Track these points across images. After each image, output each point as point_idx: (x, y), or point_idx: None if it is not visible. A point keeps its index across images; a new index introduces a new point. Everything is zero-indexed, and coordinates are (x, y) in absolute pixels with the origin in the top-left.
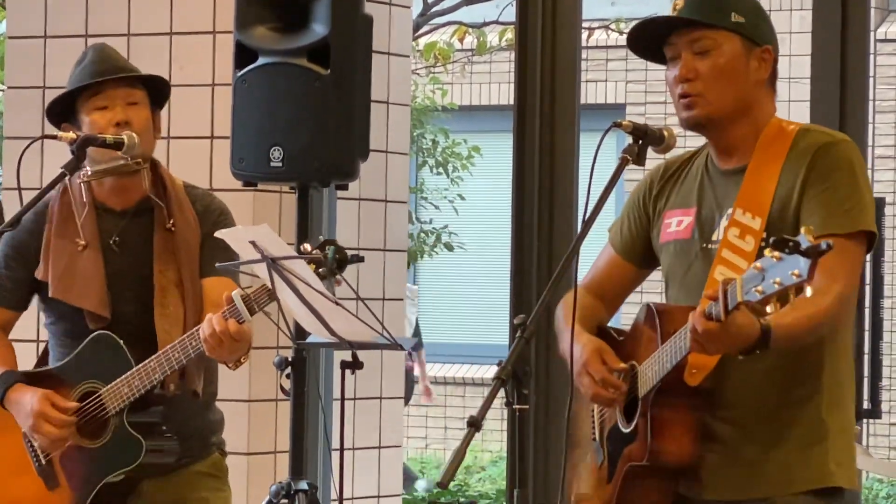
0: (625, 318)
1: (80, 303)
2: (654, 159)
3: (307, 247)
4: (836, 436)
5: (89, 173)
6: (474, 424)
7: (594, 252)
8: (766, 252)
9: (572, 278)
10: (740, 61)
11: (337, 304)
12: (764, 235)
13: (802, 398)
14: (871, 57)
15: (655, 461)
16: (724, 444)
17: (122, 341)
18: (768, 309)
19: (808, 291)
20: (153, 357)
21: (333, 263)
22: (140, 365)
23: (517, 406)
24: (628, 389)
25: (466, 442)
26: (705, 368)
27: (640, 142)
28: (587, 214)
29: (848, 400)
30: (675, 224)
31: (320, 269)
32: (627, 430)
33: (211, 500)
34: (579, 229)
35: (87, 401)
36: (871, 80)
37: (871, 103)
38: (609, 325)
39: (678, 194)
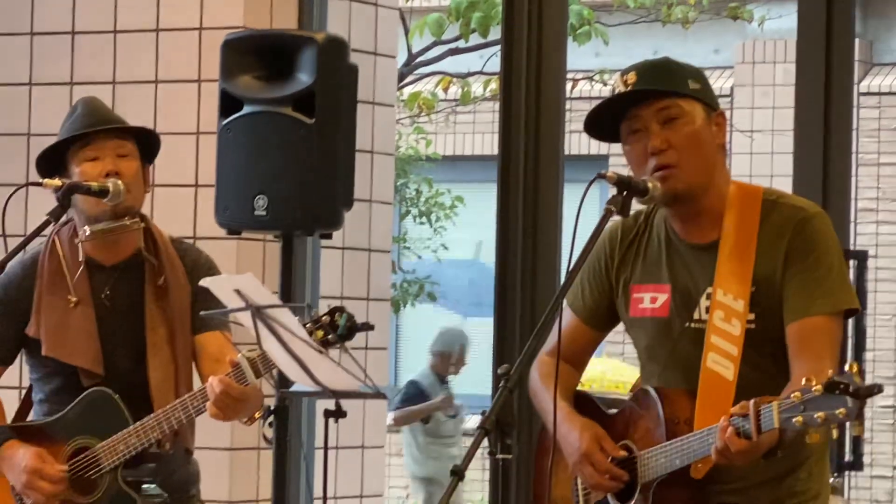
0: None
1: (74, 360)
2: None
3: (318, 312)
4: (824, 490)
5: (88, 233)
6: (458, 474)
7: None
8: (806, 380)
9: (557, 329)
10: (705, 126)
11: (321, 352)
12: (751, 317)
13: (799, 464)
14: (855, 110)
15: None
16: None
17: (118, 398)
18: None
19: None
20: (152, 416)
21: (345, 331)
22: (138, 423)
23: (500, 456)
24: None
25: (449, 491)
26: (710, 463)
27: (625, 193)
28: (571, 265)
29: (827, 457)
30: (649, 300)
31: (329, 336)
32: None
33: None
34: (563, 280)
35: (80, 456)
36: (854, 132)
37: (853, 156)
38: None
39: (644, 267)
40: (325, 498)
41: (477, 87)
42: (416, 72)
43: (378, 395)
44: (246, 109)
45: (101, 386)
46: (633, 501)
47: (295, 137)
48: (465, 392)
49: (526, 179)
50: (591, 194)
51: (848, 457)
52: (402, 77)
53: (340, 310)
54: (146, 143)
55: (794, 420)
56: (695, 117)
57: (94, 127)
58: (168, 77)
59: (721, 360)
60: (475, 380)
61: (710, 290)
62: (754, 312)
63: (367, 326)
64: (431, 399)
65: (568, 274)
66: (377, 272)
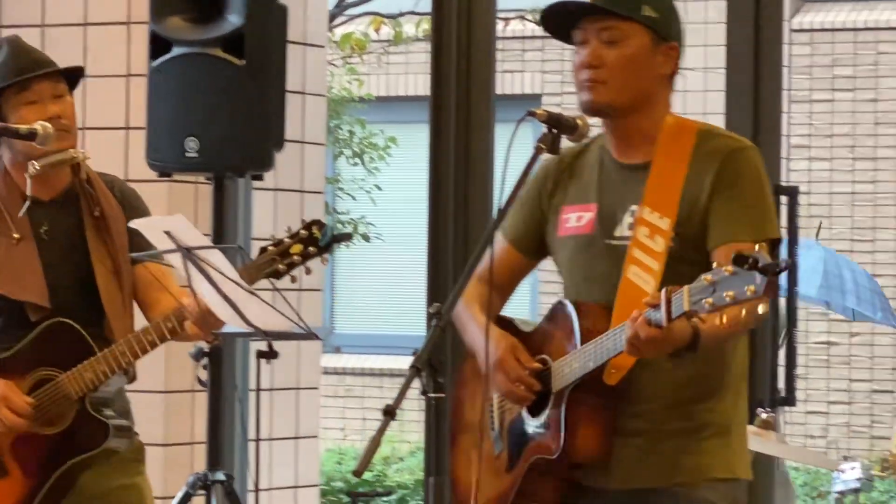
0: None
1: (23, 295)
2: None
3: (291, 228)
4: (738, 427)
5: (37, 167)
6: (390, 413)
7: None
8: (715, 265)
9: (489, 259)
10: (647, 54)
11: (252, 293)
12: (672, 235)
13: (712, 392)
14: (786, 47)
15: (567, 456)
16: (640, 437)
17: (80, 328)
18: (716, 321)
19: (761, 309)
20: (121, 341)
21: (327, 242)
22: (107, 350)
23: (432, 395)
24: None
25: (382, 431)
26: (624, 368)
27: (554, 131)
28: (502, 203)
29: (745, 393)
30: (575, 220)
31: (310, 249)
32: (535, 424)
33: (142, 486)
34: (494, 218)
35: (43, 388)
36: (786, 69)
37: (786, 93)
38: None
39: (576, 189)
40: (258, 439)
41: (409, 28)
42: (346, 12)
43: (310, 335)
44: (175, 51)
45: (48, 319)
46: (547, 410)
47: (225, 79)
48: (400, 333)
49: (458, 119)
50: (523, 133)
51: (782, 392)
52: (332, 17)
53: (318, 223)
54: (73, 79)
55: (703, 302)
56: (636, 42)
57: (30, 71)
58: (97, 19)
59: (642, 274)
60: (410, 319)
61: (634, 207)
62: (676, 232)
63: (347, 236)
64: None
65: (499, 212)
66: (310, 213)
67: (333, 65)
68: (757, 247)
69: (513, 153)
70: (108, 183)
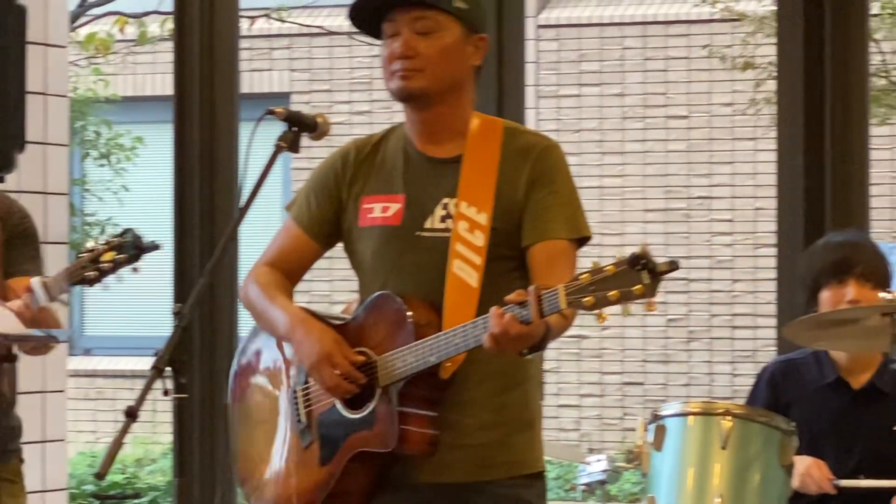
0: None
1: None
2: (311, 147)
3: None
4: (539, 420)
5: None
6: (131, 414)
7: (255, 238)
8: (594, 264)
9: (233, 265)
10: (459, 45)
11: None
12: (492, 228)
13: (519, 382)
14: (533, 43)
15: (401, 449)
16: (453, 430)
17: None
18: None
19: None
20: None
21: (131, 251)
22: None
23: (175, 395)
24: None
25: (123, 432)
26: (457, 363)
27: (295, 129)
28: (243, 202)
29: (539, 389)
30: (380, 210)
31: (118, 257)
32: (356, 416)
33: None
34: (236, 216)
35: None
36: (534, 65)
37: (533, 89)
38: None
39: (378, 179)
40: None
41: (154, 28)
42: (89, 12)
43: (49, 338)
44: None
45: None
46: (373, 403)
47: None
48: (150, 334)
49: (202, 119)
50: (270, 132)
51: None
52: (75, 17)
53: (130, 231)
54: None
55: (583, 300)
56: (449, 34)
57: None
58: None
59: (465, 268)
60: (160, 320)
61: (446, 200)
62: (493, 227)
63: (154, 247)
64: None
65: (239, 210)
66: (54, 215)
67: (77, 65)
68: (639, 249)
69: (257, 152)
70: None
